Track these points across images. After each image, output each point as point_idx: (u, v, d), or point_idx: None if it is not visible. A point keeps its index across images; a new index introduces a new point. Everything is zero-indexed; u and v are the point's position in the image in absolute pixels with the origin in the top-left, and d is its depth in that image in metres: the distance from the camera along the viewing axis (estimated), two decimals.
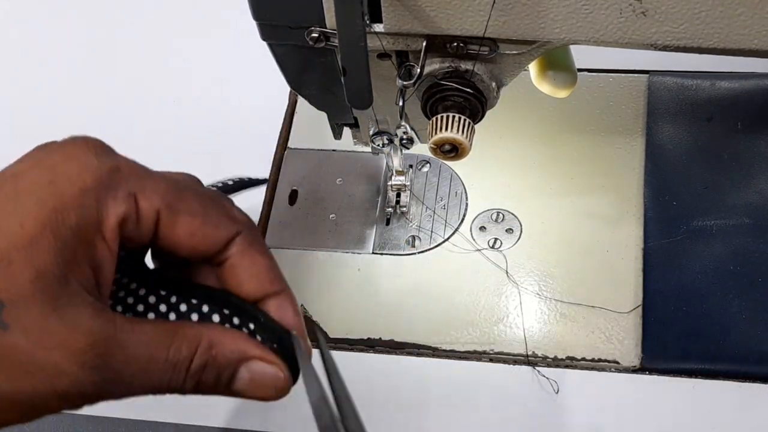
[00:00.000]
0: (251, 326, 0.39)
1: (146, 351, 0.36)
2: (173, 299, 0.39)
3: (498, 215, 0.65)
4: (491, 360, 0.60)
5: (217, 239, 0.39)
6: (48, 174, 0.36)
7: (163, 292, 0.39)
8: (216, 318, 0.39)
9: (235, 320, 0.39)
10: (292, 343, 0.39)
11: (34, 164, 0.37)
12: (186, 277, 0.41)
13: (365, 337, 0.61)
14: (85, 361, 0.35)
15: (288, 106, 0.74)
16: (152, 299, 0.39)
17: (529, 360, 0.59)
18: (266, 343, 0.39)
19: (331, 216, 0.67)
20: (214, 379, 0.38)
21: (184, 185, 0.40)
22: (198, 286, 0.40)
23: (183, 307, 0.39)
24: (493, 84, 0.49)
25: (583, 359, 0.59)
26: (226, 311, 0.39)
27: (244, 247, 0.40)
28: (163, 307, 0.39)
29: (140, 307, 0.39)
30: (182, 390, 0.38)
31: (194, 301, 0.39)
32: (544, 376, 0.58)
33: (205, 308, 0.39)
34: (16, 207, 0.35)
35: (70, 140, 0.39)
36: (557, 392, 0.57)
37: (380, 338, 0.61)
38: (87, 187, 0.36)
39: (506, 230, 0.65)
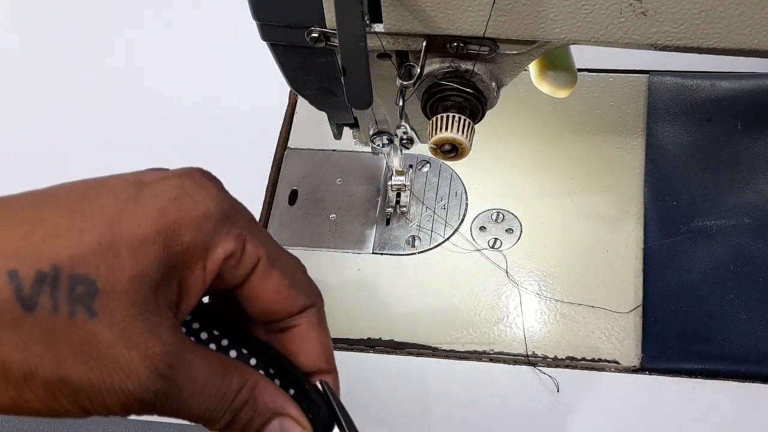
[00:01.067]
0: (292, 391, 0.39)
1: (205, 375, 0.37)
2: (224, 342, 0.39)
3: (498, 215, 0.65)
4: (491, 360, 0.60)
5: (296, 305, 0.40)
6: (175, 190, 0.37)
7: (215, 332, 0.39)
8: (260, 373, 0.39)
9: (277, 381, 0.39)
10: (327, 420, 0.39)
11: (159, 178, 0.38)
12: (238, 323, 0.41)
13: (365, 337, 0.61)
14: (157, 368, 0.35)
15: (288, 106, 0.74)
16: (204, 335, 0.39)
17: (529, 360, 0.59)
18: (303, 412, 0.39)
19: (331, 216, 0.67)
20: (247, 421, 0.38)
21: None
22: (251, 336, 0.40)
23: (232, 353, 0.39)
24: (493, 84, 0.49)
25: (583, 359, 0.59)
26: (272, 370, 0.39)
27: (315, 320, 0.40)
28: (212, 346, 0.39)
29: (191, 339, 0.39)
30: (218, 422, 0.38)
31: (244, 351, 0.39)
32: (545, 374, 0.58)
33: (253, 361, 0.39)
34: (137, 208, 0.36)
35: (195, 169, 0.41)
36: (558, 391, 0.57)
37: (380, 338, 0.61)
38: (209, 214, 0.37)
39: (506, 230, 0.65)
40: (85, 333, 0.34)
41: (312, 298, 0.41)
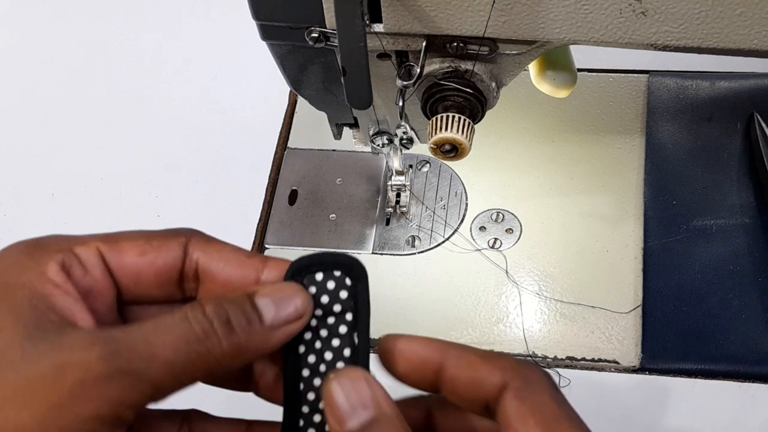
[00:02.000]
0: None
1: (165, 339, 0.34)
2: None
3: (498, 215, 0.65)
4: None
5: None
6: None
7: None
8: None
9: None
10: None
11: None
12: None
13: None
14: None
15: (288, 106, 0.74)
16: None
17: (529, 360, 0.59)
18: None
19: (331, 216, 0.67)
20: (244, 318, 0.36)
21: None
22: None
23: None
24: (493, 84, 0.49)
25: (583, 359, 0.59)
26: None
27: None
28: None
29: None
30: (220, 351, 0.35)
31: None
32: (552, 368, 0.58)
33: None
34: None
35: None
36: (566, 385, 0.57)
37: (380, 338, 0.61)
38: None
39: (506, 230, 0.65)
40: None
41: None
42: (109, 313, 0.38)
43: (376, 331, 0.38)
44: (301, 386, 0.37)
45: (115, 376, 0.33)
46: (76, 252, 0.38)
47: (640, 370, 0.57)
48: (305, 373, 0.37)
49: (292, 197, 0.68)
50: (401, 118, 0.51)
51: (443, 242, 0.65)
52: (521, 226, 0.64)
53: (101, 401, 0.33)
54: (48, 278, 0.37)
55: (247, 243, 0.66)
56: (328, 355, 0.37)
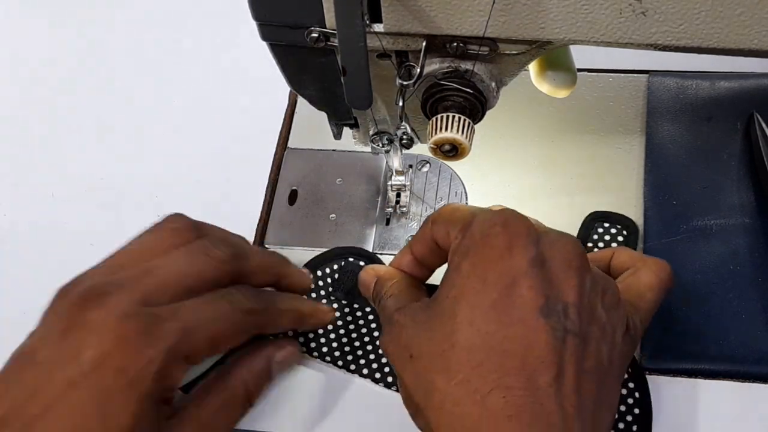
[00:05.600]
0: None
1: (221, 411, 0.51)
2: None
3: None
4: None
5: None
6: (121, 376, 0.44)
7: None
8: None
9: None
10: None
11: (100, 360, 0.45)
12: None
13: None
14: None
15: (288, 106, 0.74)
16: None
17: None
18: None
19: (331, 216, 0.67)
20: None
21: None
22: None
23: None
24: (493, 84, 0.49)
25: None
26: None
27: None
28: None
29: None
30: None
31: None
32: None
33: None
34: (104, 408, 0.44)
35: (116, 326, 0.46)
36: None
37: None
38: (156, 375, 0.45)
39: None
40: None
41: None
42: None
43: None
44: None
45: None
46: (189, 358, 0.48)
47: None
48: None
49: (292, 197, 0.68)
50: (401, 118, 0.51)
51: None
52: None
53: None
54: (172, 388, 0.47)
55: None
56: None
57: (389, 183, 0.65)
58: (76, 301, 0.46)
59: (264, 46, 0.49)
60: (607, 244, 0.61)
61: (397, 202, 0.66)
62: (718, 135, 0.66)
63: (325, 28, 0.46)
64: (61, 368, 0.44)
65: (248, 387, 0.52)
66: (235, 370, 0.53)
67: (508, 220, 0.45)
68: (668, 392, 0.55)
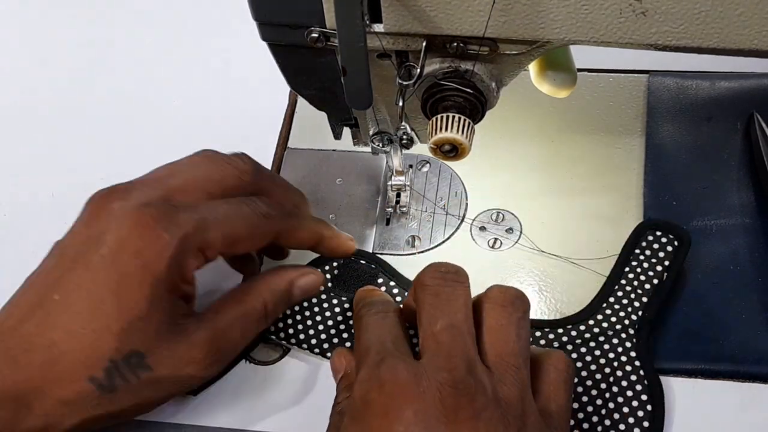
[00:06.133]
0: None
1: (238, 322, 0.51)
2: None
3: (498, 215, 0.65)
4: None
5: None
6: (137, 259, 0.47)
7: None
8: None
9: None
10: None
11: (118, 243, 0.47)
12: None
13: None
14: (208, 364, 0.49)
15: (288, 106, 0.74)
16: None
17: None
18: None
19: (331, 216, 0.67)
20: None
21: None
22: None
23: None
24: (493, 84, 0.49)
25: None
26: None
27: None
28: None
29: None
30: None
31: None
32: None
33: None
34: (121, 289, 0.47)
35: (135, 213, 0.48)
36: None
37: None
38: (171, 261, 0.47)
39: (506, 230, 0.65)
40: (155, 379, 0.48)
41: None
42: None
43: None
44: None
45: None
46: (207, 256, 0.50)
47: None
48: None
49: None
50: (401, 118, 0.51)
51: (443, 242, 0.65)
52: (521, 226, 0.64)
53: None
54: (187, 279, 0.50)
55: None
56: None
57: (389, 183, 0.65)
58: (103, 195, 0.50)
59: (264, 46, 0.49)
60: (654, 254, 0.58)
61: (397, 202, 0.66)
62: (718, 135, 0.66)
63: (325, 28, 0.46)
64: (83, 254, 0.47)
65: (267, 304, 0.53)
66: (257, 285, 0.53)
67: (383, 381, 0.44)
68: (668, 392, 0.55)
